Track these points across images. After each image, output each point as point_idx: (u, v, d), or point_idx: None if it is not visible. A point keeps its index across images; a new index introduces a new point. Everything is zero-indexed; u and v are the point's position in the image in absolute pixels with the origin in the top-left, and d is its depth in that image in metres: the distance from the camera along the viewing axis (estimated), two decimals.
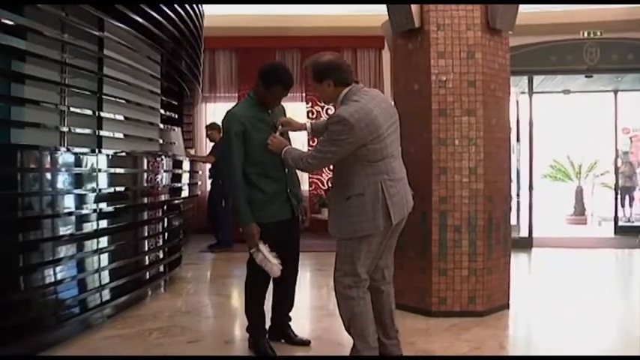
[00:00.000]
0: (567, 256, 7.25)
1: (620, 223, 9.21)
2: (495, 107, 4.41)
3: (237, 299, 5.08)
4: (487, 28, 4.32)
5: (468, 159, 4.28)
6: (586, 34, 7.30)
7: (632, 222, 9.58)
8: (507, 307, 4.50)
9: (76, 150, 3.73)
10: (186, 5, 5.49)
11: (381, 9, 8.80)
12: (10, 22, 3.29)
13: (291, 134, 3.68)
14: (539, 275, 6.13)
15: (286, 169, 3.39)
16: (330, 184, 9.58)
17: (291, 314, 3.72)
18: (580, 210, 11.25)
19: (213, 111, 9.85)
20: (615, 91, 8.98)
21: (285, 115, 3.54)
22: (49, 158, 3.48)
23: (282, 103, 3.58)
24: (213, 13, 6.57)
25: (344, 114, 2.87)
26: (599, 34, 7.26)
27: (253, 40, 9.58)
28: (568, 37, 7.28)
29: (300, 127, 3.49)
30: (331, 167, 3.23)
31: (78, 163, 3.76)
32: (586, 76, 7.68)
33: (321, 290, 5.39)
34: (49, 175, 3.50)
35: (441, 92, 4.29)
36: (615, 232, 9.00)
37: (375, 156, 2.94)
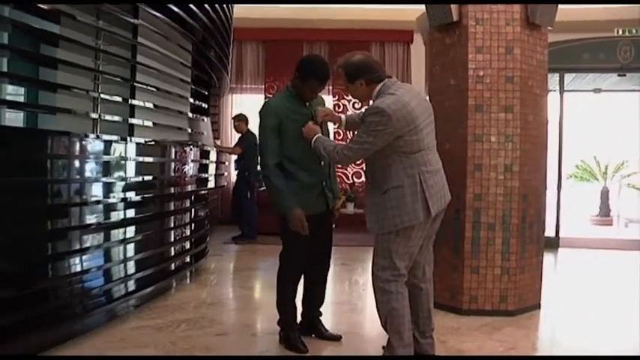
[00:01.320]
0: (595, 256, 7.12)
1: None
2: (533, 104, 4.32)
3: (262, 292, 5.07)
4: (526, 23, 4.23)
5: (504, 156, 4.20)
6: (620, 32, 7.14)
7: None
8: (539, 307, 4.43)
9: (106, 137, 3.71)
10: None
11: (413, 2, 8.90)
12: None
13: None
14: (568, 275, 6.02)
15: (322, 162, 3.35)
16: (353, 179, 9.54)
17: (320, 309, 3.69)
18: (605, 211, 11.02)
19: (240, 102, 9.84)
20: None
21: (324, 105, 3.54)
22: (78, 145, 3.45)
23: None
24: (239, 5, 6.54)
25: (382, 105, 2.86)
26: (634, 31, 7.10)
27: (281, 32, 9.56)
28: (601, 34, 7.11)
29: (337, 120, 3.47)
30: (360, 162, 3.20)
31: (107, 150, 3.74)
32: (619, 75, 7.52)
33: (343, 285, 5.36)
34: (77, 163, 3.48)
35: (478, 88, 4.21)
36: None
37: (412, 148, 2.92)
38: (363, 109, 3.33)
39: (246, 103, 9.86)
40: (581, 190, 11.40)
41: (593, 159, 11.30)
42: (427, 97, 4.32)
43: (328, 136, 3.47)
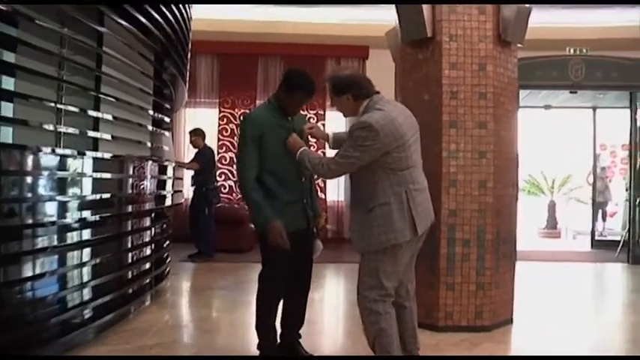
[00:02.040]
0: (550, 269, 7.28)
1: (597, 237, 9.36)
2: (505, 120, 4.36)
3: (229, 312, 4.86)
4: (498, 40, 4.28)
5: (478, 172, 4.21)
6: (572, 51, 7.40)
7: (605, 236, 9.75)
8: (511, 321, 4.44)
9: (61, 152, 3.45)
10: (179, 5, 5.27)
11: (369, 18, 8.97)
12: None
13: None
14: (529, 288, 6.11)
15: (303, 178, 3.24)
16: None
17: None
18: (552, 224, 11.42)
19: (193, 116, 9.61)
20: (594, 108, 9.17)
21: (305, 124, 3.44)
22: (30, 160, 3.18)
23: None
24: (195, 17, 6.34)
25: (370, 120, 2.80)
26: (584, 51, 7.38)
27: (236, 45, 9.44)
28: (554, 53, 7.36)
29: (323, 136, 3.36)
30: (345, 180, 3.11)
31: (63, 166, 3.47)
32: (570, 92, 7.79)
33: (313, 305, 5.21)
34: (30, 179, 3.21)
35: (452, 104, 4.21)
36: (592, 246, 9.13)
37: (400, 165, 2.87)
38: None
39: (200, 118, 9.64)
40: (529, 204, 11.76)
41: (540, 174, 11.70)
42: None
43: None
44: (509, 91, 4.40)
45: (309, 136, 3.33)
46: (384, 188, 2.87)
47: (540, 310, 5.06)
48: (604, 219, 10.09)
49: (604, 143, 9.77)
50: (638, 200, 7.66)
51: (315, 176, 3.39)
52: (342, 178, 7.99)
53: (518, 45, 4.46)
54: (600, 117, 9.29)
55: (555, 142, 10.42)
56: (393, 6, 4.41)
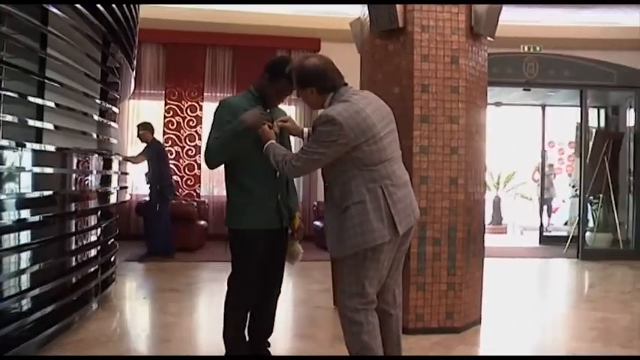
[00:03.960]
0: (503, 265, 7.31)
1: (545, 233, 9.55)
2: (476, 115, 4.26)
3: (186, 317, 4.55)
4: (470, 33, 4.16)
5: (449, 168, 4.08)
6: (526, 49, 7.47)
7: (550, 231, 9.99)
8: (479, 321, 4.35)
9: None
10: None
11: (321, 10, 8.77)
12: None
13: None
14: (490, 286, 6.10)
15: (278, 173, 2.99)
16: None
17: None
18: (498, 219, 11.61)
19: (138, 108, 9.14)
20: (543, 106, 9.34)
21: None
22: None
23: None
24: (142, 4, 5.92)
25: (331, 113, 2.59)
26: (538, 49, 7.45)
27: (183, 34, 9.05)
28: (509, 50, 7.39)
29: (297, 133, 3.08)
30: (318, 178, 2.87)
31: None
32: (524, 89, 7.87)
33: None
34: None
35: (424, 97, 4.06)
36: (540, 242, 9.31)
37: (372, 159, 2.64)
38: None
39: (145, 110, 9.18)
40: None
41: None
42: None
43: (289, 149, 3.14)
44: (480, 85, 4.31)
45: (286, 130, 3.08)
46: (358, 186, 2.64)
47: (505, 308, 5.02)
48: (549, 215, 10.33)
49: (552, 140, 9.99)
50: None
51: None
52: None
53: (489, 39, 4.36)
54: (549, 115, 9.48)
55: (502, 139, 10.55)
56: None
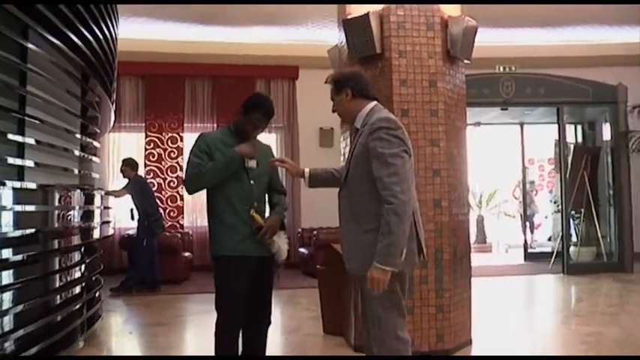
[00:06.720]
0: (490, 284, 7.32)
1: (530, 250, 9.61)
2: (456, 137, 4.31)
3: (177, 352, 4.45)
4: (447, 56, 4.24)
5: (432, 191, 4.12)
6: (501, 69, 7.62)
7: (534, 248, 10.06)
8: (470, 342, 4.34)
9: None
10: (105, 19, 4.88)
11: (298, 38, 8.87)
12: None
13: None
14: (478, 305, 6.11)
15: (255, 203, 3.02)
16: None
17: None
18: (482, 238, 11.66)
19: (118, 141, 9.08)
20: (521, 124, 9.50)
21: (272, 155, 3.27)
22: None
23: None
24: (120, 36, 5.94)
25: (390, 116, 2.53)
26: (513, 68, 7.61)
27: (162, 66, 9.06)
28: (485, 71, 7.54)
29: (297, 173, 2.94)
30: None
31: None
32: (502, 109, 8.01)
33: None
34: None
35: (404, 121, 4.02)
36: (525, 259, 9.36)
37: (412, 177, 2.54)
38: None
39: (125, 143, 9.13)
40: None
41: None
42: None
43: (279, 185, 3.24)
44: (459, 107, 4.37)
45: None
46: None
47: (495, 327, 5.02)
48: (532, 231, 10.41)
49: (532, 158, 10.12)
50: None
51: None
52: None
53: (466, 61, 4.44)
54: (527, 133, 9.63)
55: (482, 158, 10.68)
56: (332, 25, 4.27)
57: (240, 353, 3.11)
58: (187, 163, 3.09)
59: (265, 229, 3.00)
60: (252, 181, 3.03)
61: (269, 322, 3.20)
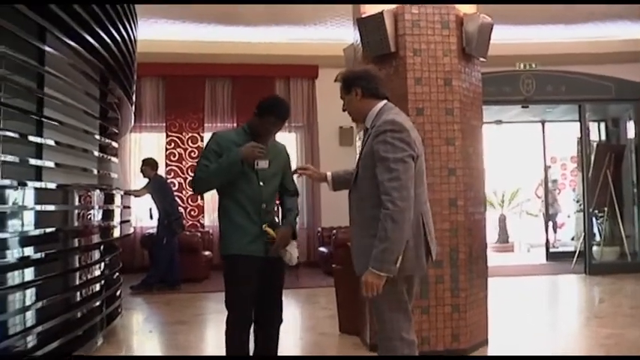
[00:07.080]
0: (511, 284, 7.26)
1: (552, 249, 9.47)
2: (472, 136, 4.28)
3: (197, 352, 4.50)
4: (462, 54, 4.21)
5: (448, 190, 4.09)
6: (522, 66, 7.53)
7: (557, 247, 9.91)
8: (486, 342, 4.31)
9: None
10: (124, 21, 4.95)
11: (318, 37, 8.88)
12: None
13: None
14: (497, 305, 6.05)
15: (264, 204, 3.03)
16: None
17: None
18: (504, 237, 11.52)
19: (139, 141, 9.22)
20: (543, 122, 9.36)
21: (287, 154, 3.27)
22: None
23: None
24: (139, 37, 6.03)
25: (397, 119, 2.46)
26: (534, 66, 7.51)
27: (182, 67, 9.16)
28: (505, 68, 7.45)
29: (320, 178, 2.94)
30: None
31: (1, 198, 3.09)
32: (522, 107, 7.91)
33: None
34: None
35: (419, 120, 4.08)
36: (547, 259, 9.23)
37: (421, 179, 2.52)
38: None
39: (146, 143, 9.25)
40: None
41: (490, 188, 11.82)
42: None
43: (291, 185, 3.23)
44: (475, 106, 4.34)
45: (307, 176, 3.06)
46: None
47: (512, 327, 4.97)
48: (555, 230, 10.26)
49: (554, 156, 9.97)
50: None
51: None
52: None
53: (481, 59, 4.40)
54: (548, 130, 9.49)
55: (504, 156, 10.55)
56: (350, 23, 4.28)
57: (252, 352, 3.15)
58: (198, 162, 3.12)
59: (278, 242, 3.01)
60: (261, 183, 3.02)
61: (280, 321, 3.21)
